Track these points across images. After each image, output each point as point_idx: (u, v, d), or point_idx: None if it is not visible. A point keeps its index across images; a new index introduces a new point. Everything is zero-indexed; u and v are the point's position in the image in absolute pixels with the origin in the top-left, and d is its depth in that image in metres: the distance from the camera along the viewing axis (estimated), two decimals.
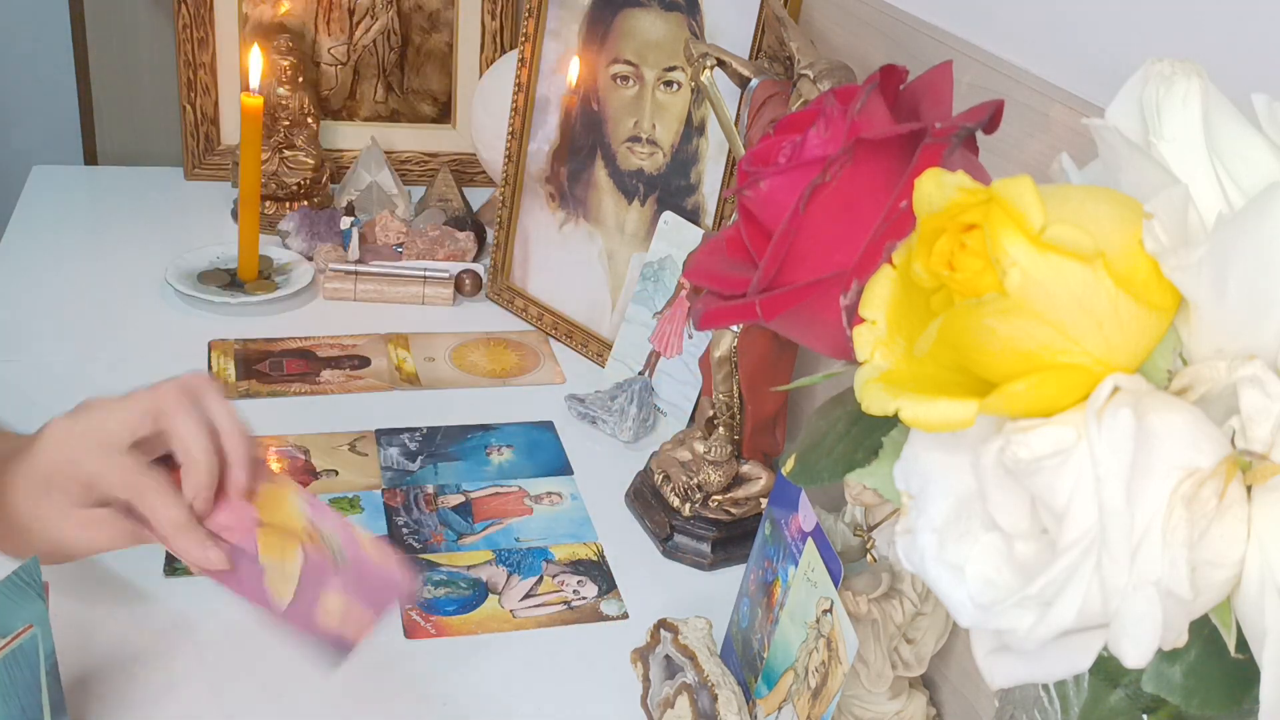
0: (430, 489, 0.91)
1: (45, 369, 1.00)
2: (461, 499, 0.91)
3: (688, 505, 0.86)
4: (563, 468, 0.96)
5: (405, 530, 0.86)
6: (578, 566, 0.85)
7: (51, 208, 1.29)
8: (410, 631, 0.77)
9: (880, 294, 0.34)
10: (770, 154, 0.46)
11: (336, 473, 0.92)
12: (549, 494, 0.92)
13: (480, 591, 0.81)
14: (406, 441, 0.97)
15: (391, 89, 1.40)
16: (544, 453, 0.98)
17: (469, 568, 0.83)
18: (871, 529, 0.70)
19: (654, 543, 0.88)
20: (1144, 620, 0.29)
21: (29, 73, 1.49)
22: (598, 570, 0.85)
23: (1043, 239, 0.30)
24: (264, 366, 1.05)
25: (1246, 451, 0.30)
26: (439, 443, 0.97)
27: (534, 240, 1.16)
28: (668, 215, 1.01)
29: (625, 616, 0.80)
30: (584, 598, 0.82)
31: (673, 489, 0.88)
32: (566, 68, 1.11)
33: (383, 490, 0.90)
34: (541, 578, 0.83)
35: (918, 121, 0.44)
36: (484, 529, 0.88)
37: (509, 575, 0.83)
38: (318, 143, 1.32)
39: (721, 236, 0.48)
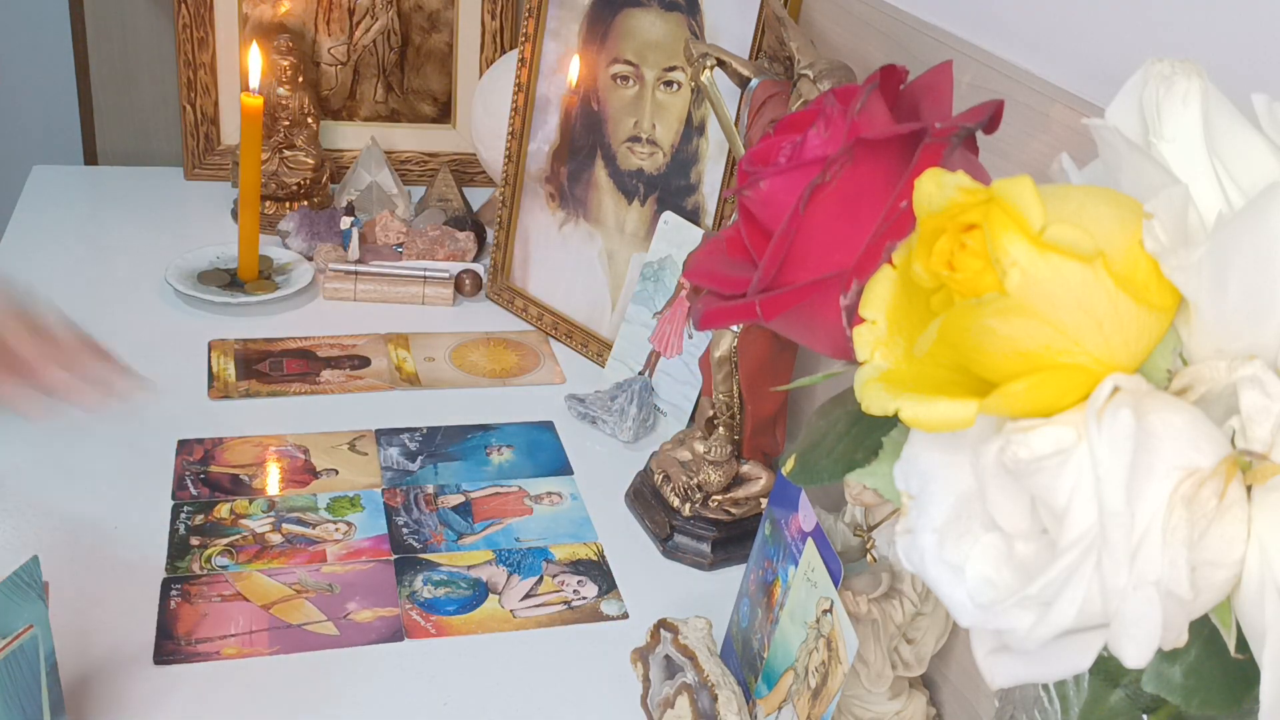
0: (430, 489, 0.91)
1: None
2: (461, 499, 0.91)
3: (688, 505, 0.86)
4: (563, 468, 0.96)
5: (405, 530, 0.86)
6: (578, 566, 0.85)
7: (51, 208, 1.29)
8: (410, 631, 0.77)
9: (880, 294, 0.34)
10: (770, 154, 0.46)
11: (337, 472, 0.92)
12: (549, 494, 0.92)
13: (480, 591, 0.81)
14: (406, 441, 0.97)
15: (391, 89, 1.40)
16: (544, 453, 0.98)
17: (469, 568, 0.83)
18: (871, 529, 0.70)
19: (654, 543, 0.88)
20: (1144, 620, 0.29)
21: (29, 73, 1.49)
22: (598, 570, 0.85)
23: (1043, 239, 0.30)
24: (264, 366, 1.05)
25: (1246, 451, 0.30)
26: (439, 443, 0.97)
27: (534, 240, 1.16)
28: (668, 215, 1.01)
29: (625, 616, 0.80)
30: (584, 598, 0.82)
31: (673, 489, 0.88)
32: (566, 68, 1.11)
33: (383, 490, 0.90)
34: (542, 578, 0.83)
35: (918, 121, 0.44)
36: (484, 529, 0.88)
37: (509, 575, 0.83)
38: (318, 143, 1.32)
39: (721, 236, 0.48)
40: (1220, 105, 0.34)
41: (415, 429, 0.98)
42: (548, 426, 1.01)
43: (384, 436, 0.97)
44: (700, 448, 0.86)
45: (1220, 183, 0.33)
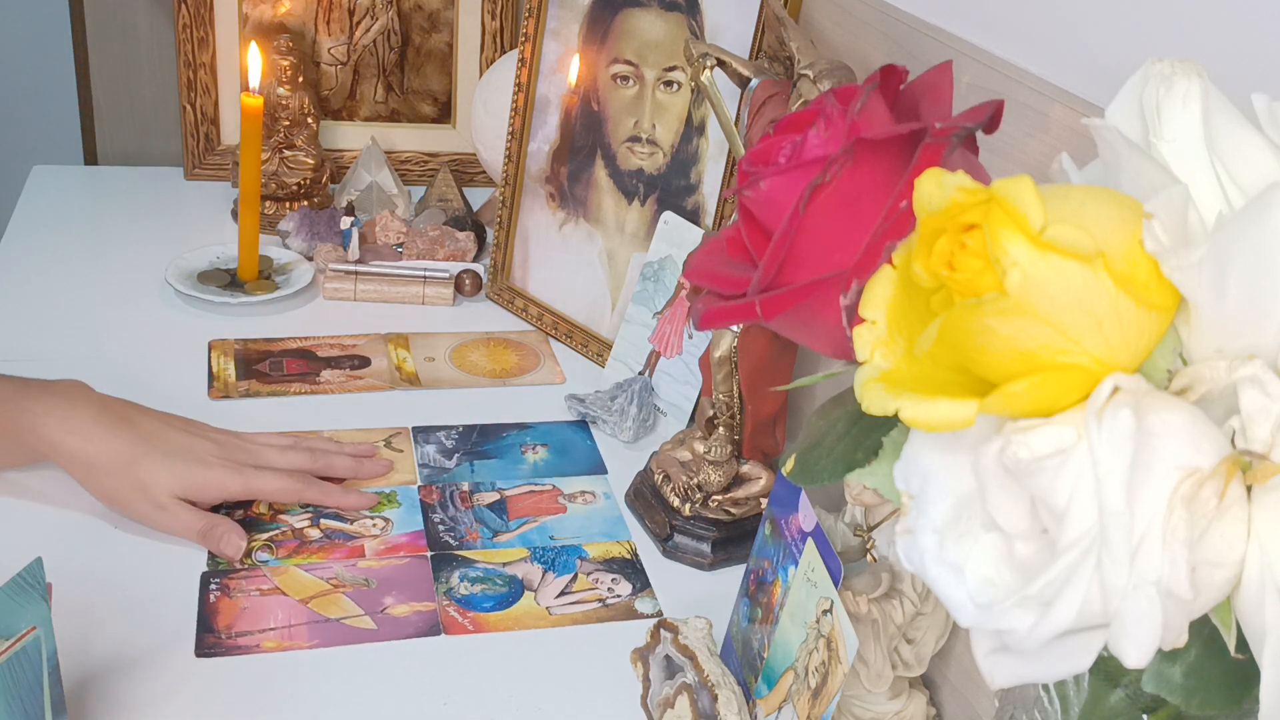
0: (465, 486, 0.92)
1: (45, 369, 1.00)
2: (496, 496, 0.91)
3: (688, 505, 0.86)
4: (596, 466, 0.96)
5: (441, 527, 0.87)
6: (611, 565, 0.85)
7: (51, 208, 1.29)
8: (448, 628, 0.77)
9: (880, 294, 0.34)
10: (770, 154, 0.46)
11: None
12: (582, 493, 0.93)
13: (516, 588, 0.82)
14: (442, 439, 0.97)
15: (391, 89, 1.40)
16: (578, 452, 0.98)
17: (505, 565, 0.84)
18: (871, 529, 0.70)
19: (654, 543, 0.88)
20: (1144, 620, 0.29)
21: (29, 73, 1.49)
22: (631, 568, 0.85)
23: (1043, 239, 0.30)
24: (264, 366, 1.05)
25: (1246, 451, 0.30)
26: (475, 440, 0.97)
27: (534, 240, 1.16)
28: (668, 215, 1.01)
29: (659, 615, 0.81)
30: (619, 595, 0.82)
31: (673, 489, 0.88)
32: (566, 68, 1.11)
33: (419, 486, 0.91)
34: (576, 575, 0.84)
35: (918, 121, 0.44)
36: (519, 526, 0.88)
37: (544, 573, 0.84)
38: (318, 143, 1.32)
39: (721, 236, 0.48)
40: (1220, 105, 0.34)
41: (452, 427, 0.99)
42: (581, 426, 1.01)
43: (420, 434, 0.97)
44: (700, 448, 0.86)
45: (1220, 183, 0.33)
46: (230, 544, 0.79)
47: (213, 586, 0.78)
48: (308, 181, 1.29)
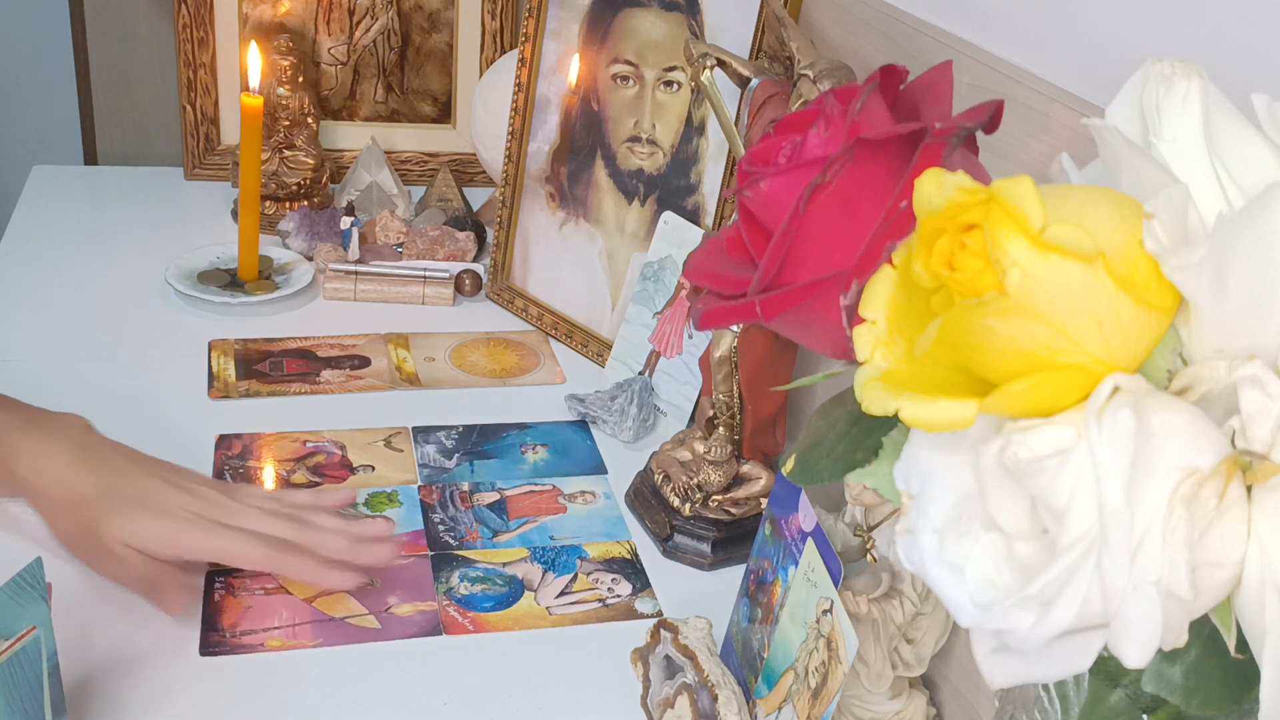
0: (465, 486, 0.92)
1: (45, 369, 1.00)
2: (497, 496, 0.91)
3: (688, 505, 0.86)
4: (596, 466, 0.96)
5: (441, 527, 0.87)
6: (611, 565, 0.85)
7: (51, 208, 1.29)
8: (448, 627, 0.77)
9: (880, 294, 0.34)
10: (770, 154, 0.46)
11: (373, 468, 0.92)
12: (582, 493, 0.93)
13: (516, 588, 0.82)
14: (443, 439, 0.97)
15: (391, 89, 1.40)
16: (578, 452, 0.98)
17: (505, 565, 0.84)
18: (871, 529, 0.70)
19: (654, 543, 0.88)
20: (1144, 620, 0.29)
21: (29, 73, 1.49)
22: (631, 568, 0.85)
23: (1043, 239, 0.30)
24: (264, 366, 1.05)
25: (1246, 451, 0.30)
26: (475, 440, 0.98)
27: (534, 240, 1.16)
28: (668, 215, 1.01)
29: (659, 615, 0.81)
30: (619, 595, 0.82)
31: (673, 489, 0.88)
32: (566, 68, 1.11)
33: (419, 486, 0.91)
34: (576, 575, 0.84)
35: (918, 121, 0.44)
36: (519, 526, 0.88)
37: (544, 573, 0.84)
38: (318, 143, 1.32)
39: (721, 236, 0.48)
40: (1220, 105, 0.34)
41: (452, 427, 0.99)
42: (581, 426, 1.01)
43: (420, 434, 0.97)
44: (700, 448, 0.86)
45: (1220, 183, 0.33)
46: (171, 598, 0.71)
47: (217, 585, 0.78)
48: (308, 181, 1.29)
